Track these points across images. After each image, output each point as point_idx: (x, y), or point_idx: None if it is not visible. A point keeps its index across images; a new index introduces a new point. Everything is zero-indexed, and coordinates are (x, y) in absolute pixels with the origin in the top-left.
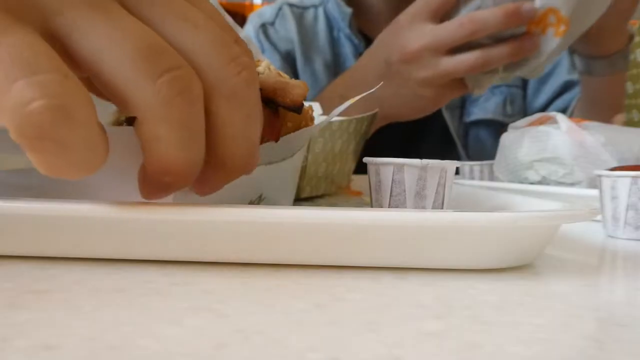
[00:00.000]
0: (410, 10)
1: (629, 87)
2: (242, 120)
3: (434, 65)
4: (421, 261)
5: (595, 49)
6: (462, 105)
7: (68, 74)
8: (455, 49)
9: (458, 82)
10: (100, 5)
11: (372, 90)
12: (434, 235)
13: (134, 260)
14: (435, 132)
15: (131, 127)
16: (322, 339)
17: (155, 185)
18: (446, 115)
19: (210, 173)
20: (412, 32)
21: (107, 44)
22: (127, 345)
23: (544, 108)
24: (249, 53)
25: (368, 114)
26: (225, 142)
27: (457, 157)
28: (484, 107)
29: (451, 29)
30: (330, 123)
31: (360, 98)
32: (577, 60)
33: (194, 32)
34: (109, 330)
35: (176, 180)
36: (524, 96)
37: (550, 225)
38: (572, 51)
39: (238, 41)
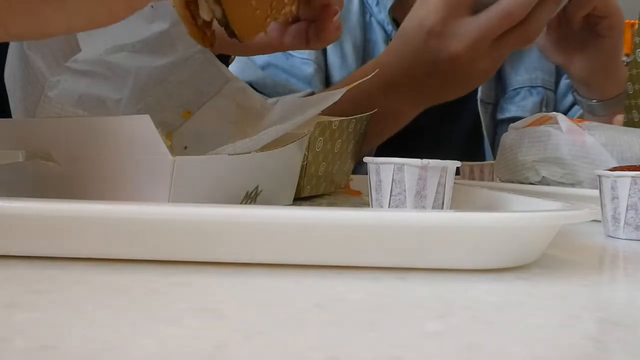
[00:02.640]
0: (438, 14)
1: (629, 88)
2: None
3: (489, 55)
4: (421, 261)
5: (595, 93)
6: (495, 102)
7: None
8: None
9: None
10: None
11: (369, 76)
12: (434, 235)
13: (134, 260)
14: (465, 126)
15: (116, 118)
16: (322, 339)
17: None
18: (481, 110)
19: None
20: (454, 34)
21: None
22: (127, 345)
23: (569, 108)
24: None
25: (367, 114)
26: None
27: (482, 154)
28: (522, 106)
29: (495, 21)
30: (330, 122)
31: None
32: (578, 100)
33: None
34: (109, 330)
35: None
36: (555, 99)
37: (550, 225)
38: (573, 91)
39: None
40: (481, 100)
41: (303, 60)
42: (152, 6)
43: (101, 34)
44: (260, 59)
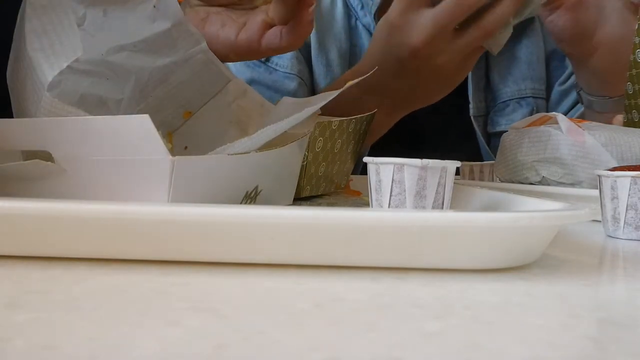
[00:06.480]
0: (398, 5)
1: (629, 88)
2: None
3: (448, 49)
4: (421, 261)
5: (608, 88)
6: (486, 114)
7: None
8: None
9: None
10: None
11: (366, 76)
12: (434, 235)
13: (134, 260)
14: (460, 138)
15: (116, 118)
16: (322, 339)
17: None
18: (475, 125)
19: None
20: (412, 27)
21: None
22: (127, 345)
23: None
24: None
25: (367, 114)
26: None
27: (480, 158)
28: (511, 119)
29: (450, 10)
30: (330, 122)
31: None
32: (584, 99)
33: None
34: (109, 330)
35: None
36: (547, 107)
37: (551, 225)
38: (578, 89)
39: None
40: (474, 116)
41: (286, 74)
42: (154, 6)
43: (103, 34)
44: (244, 75)
